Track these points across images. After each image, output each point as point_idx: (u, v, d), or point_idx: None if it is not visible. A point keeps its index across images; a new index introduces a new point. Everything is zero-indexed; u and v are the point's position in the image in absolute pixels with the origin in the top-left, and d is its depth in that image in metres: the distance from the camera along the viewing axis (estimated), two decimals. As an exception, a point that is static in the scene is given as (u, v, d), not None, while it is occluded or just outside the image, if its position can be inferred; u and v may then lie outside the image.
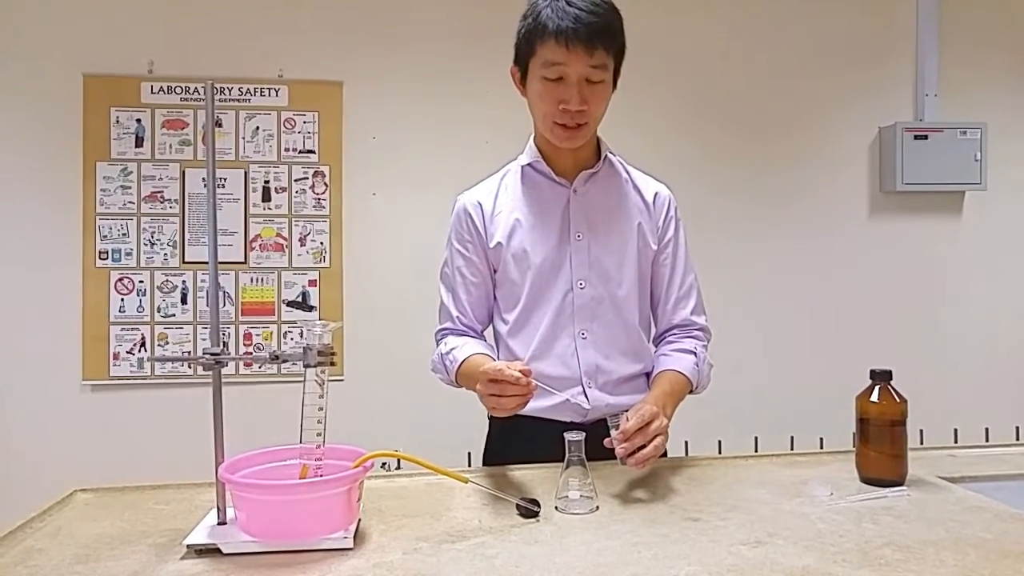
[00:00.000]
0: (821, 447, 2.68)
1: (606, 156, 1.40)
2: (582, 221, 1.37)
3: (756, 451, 2.68)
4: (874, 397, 1.17)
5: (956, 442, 2.59)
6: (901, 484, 1.16)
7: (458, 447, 2.24)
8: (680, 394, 1.34)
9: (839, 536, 0.97)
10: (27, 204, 2.55)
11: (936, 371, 2.73)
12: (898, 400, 1.16)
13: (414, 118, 2.71)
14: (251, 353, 2.56)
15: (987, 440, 2.69)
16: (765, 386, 2.80)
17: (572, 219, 1.37)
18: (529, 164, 1.40)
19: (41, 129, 2.54)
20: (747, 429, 2.70)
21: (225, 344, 2.56)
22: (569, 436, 1.10)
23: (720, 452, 2.67)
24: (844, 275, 2.90)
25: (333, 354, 1.04)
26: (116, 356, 2.55)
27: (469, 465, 2.33)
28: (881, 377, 1.17)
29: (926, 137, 2.78)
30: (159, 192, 2.57)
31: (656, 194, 1.43)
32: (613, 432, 1.14)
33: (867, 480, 1.19)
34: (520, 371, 1.10)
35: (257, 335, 2.60)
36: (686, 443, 2.45)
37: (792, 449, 2.69)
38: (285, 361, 1.04)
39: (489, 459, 1.46)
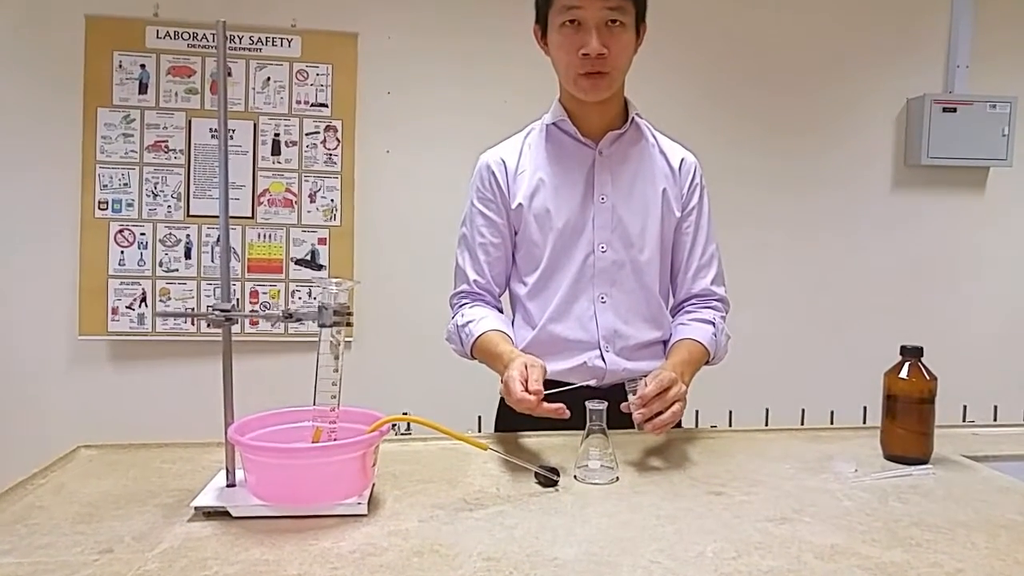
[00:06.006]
0: (832, 420, 2.67)
1: (633, 118, 1.35)
2: (607, 183, 1.33)
3: (767, 422, 2.67)
4: (903, 373, 1.14)
5: (965, 419, 2.58)
6: (926, 462, 1.13)
7: (469, 411, 2.23)
8: (697, 363, 1.31)
9: (866, 514, 0.94)
10: (23, 149, 2.47)
11: (950, 347, 2.69)
12: (928, 377, 1.13)
13: (431, 74, 2.63)
14: (258, 311, 2.53)
15: (995, 418, 2.67)
16: (779, 358, 2.77)
17: (596, 181, 1.32)
18: (554, 123, 1.36)
19: (40, 72, 2.46)
20: (759, 400, 2.67)
21: (237, 300, 2.52)
22: (591, 405, 1.08)
23: (731, 422, 2.65)
24: (864, 247, 2.85)
25: (349, 314, 1.00)
26: (115, 311, 2.50)
27: (479, 429, 2.32)
28: (912, 353, 1.14)
29: (955, 110, 2.70)
30: (163, 141, 2.50)
31: (682, 160, 1.39)
32: (631, 397, 1.12)
33: (891, 457, 1.16)
34: (533, 390, 1.07)
35: (264, 293, 2.56)
36: (696, 412, 2.43)
37: (803, 421, 2.67)
38: (299, 320, 1.00)
39: (501, 424, 1.44)
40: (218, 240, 2.52)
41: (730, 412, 2.64)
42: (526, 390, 1.07)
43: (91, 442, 1.24)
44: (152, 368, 2.55)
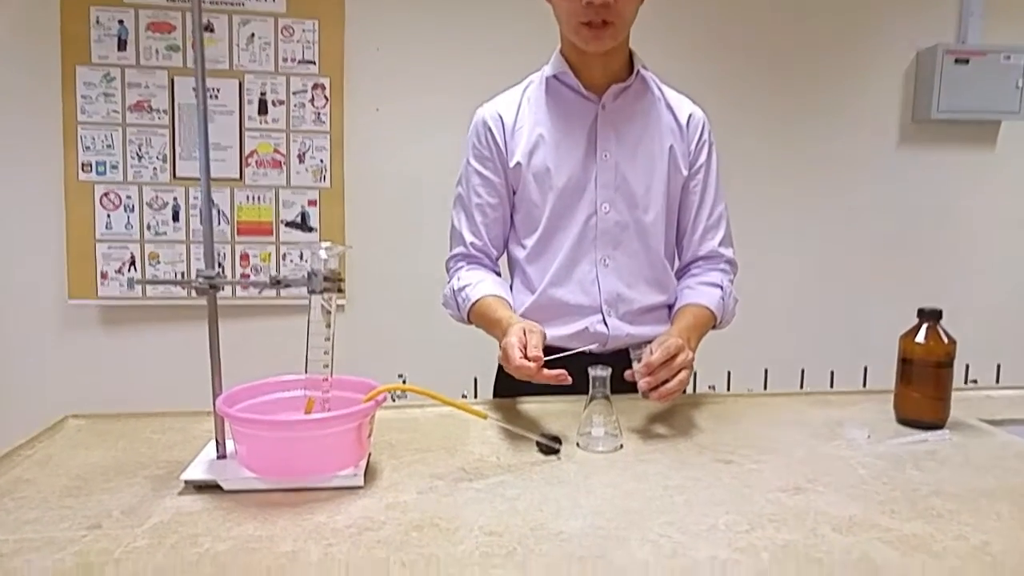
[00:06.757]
0: (832, 380, 2.65)
1: (639, 71, 1.28)
2: (610, 139, 1.26)
3: (766, 383, 2.64)
4: (920, 338, 1.09)
5: (968, 378, 2.55)
6: (941, 427, 1.10)
7: (465, 374, 2.19)
8: (704, 328, 1.27)
9: (883, 483, 0.91)
10: (1, 110, 2.39)
11: (956, 306, 2.65)
12: (946, 341, 1.08)
13: (421, 28, 2.52)
14: (248, 276, 2.47)
15: (998, 377, 2.65)
16: (779, 317, 2.72)
17: (599, 136, 1.26)
18: (554, 76, 1.28)
19: (15, 29, 2.36)
20: (758, 360, 2.65)
21: (221, 266, 2.46)
22: (594, 371, 1.04)
23: (730, 382, 2.63)
24: (868, 204, 2.78)
25: (340, 280, 0.95)
26: (104, 275, 2.44)
27: (475, 392, 2.29)
28: (930, 316, 1.09)
29: (967, 62, 2.60)
30: (146, 101, 2.41)
31: (690, 116, 1.32)
32: (636, 364, 1.08)
33: (905, 422, 1.13)
34: (532, 356, 1.02)
35: (254, 256, 2.50)
36: (695, 372, 2.40)
37: (803, 381, 2.65)
38: (287, 287, 0.95)
39: (500, 389, 1.40)
40: (207, 203, 2.45)
41: (728, 373, 2.62)
42: (525, 357, 1.02)
43: (83, 409, 1.21)
44: (144, 332, 2.50)
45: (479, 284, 1.26)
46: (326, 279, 0.94)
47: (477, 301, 1.24)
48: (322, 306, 0.95)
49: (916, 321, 1.11)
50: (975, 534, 0.77)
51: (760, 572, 0.69)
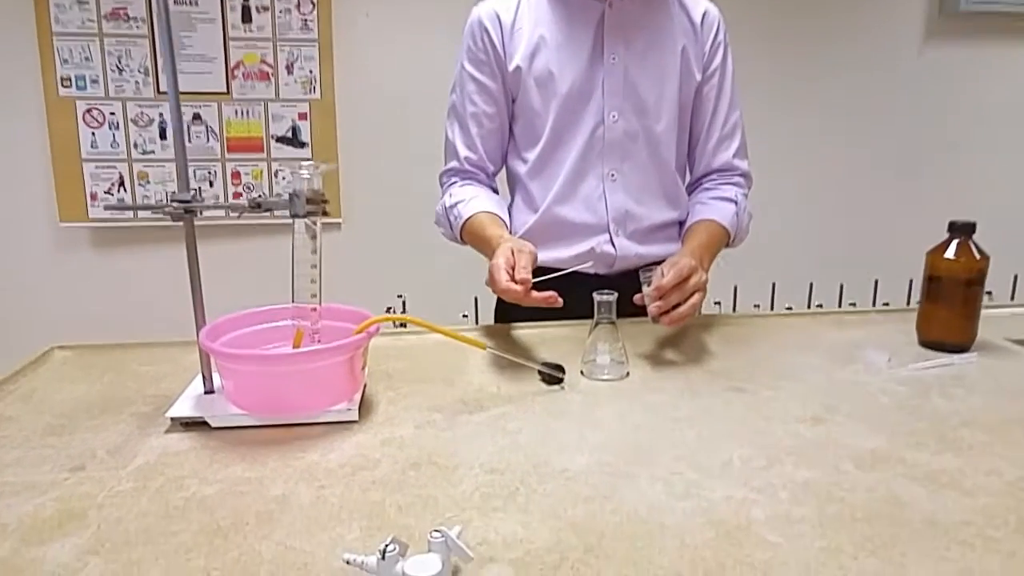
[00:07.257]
0: (841, 293, 2.59)
1: None
2: (618, 41, 1.15)
3: (774, 299, 2.58)
4: (950, 253, 1.02)
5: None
6: (967, 350, 1.04)
7: (465, 294, 2.14)
8: (718, 247, 1.20)
9: (907, 412, 0.85)
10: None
11: (983, 214, 2.54)
12: (979, 257, 1.01)
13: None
14: (241, 194, 2.38)
15: (1014, 291, 2.58)
16: (787, 229, 2.61)
17: (606, 38, 1.15)
18: (556, -29, 1.16)
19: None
20: (765, 275, 2.58)
21: (211, 185, 2.37)
22: (599, 296, 0.97)
23: (736, 298, 2.56)
24: (889, 105, 2.62)
25: (325, 202, 0.88)
26: (94, 196, 2.36)
27: (476, 312, 2.25)
28: (961, 231, 1.02)
29: (1002, -58, 2.41)
30: (122, 9, 2.25)
31: (705, 13, 1.20)
32: (646, 288, 1.01)
33: (928, 344, 1.07)
34: (520, 279, 0.95)
35: (246, 174, 2.40)
36: (705, 292, 2.34)
37: (811, 296, 2.59)
38: (268, 209, 0.88)
39: (501, 312, 1.35)
40: (195, 118, 2.34)
41: (735, 287, 2.55)
42: (512, 279, 0.96)
43: (77, 333, 1.17)
44: (136, 254, 2.44)
45: (472, 200, 1.19)
46: (309, 200, 0.86)
47: (469, 219, 1.17)
48: (307, 225, 0.88)
49: (941, 233, 1.03)
50: (1010, 469, 0.72)
51: (779, 514, 0.64)
